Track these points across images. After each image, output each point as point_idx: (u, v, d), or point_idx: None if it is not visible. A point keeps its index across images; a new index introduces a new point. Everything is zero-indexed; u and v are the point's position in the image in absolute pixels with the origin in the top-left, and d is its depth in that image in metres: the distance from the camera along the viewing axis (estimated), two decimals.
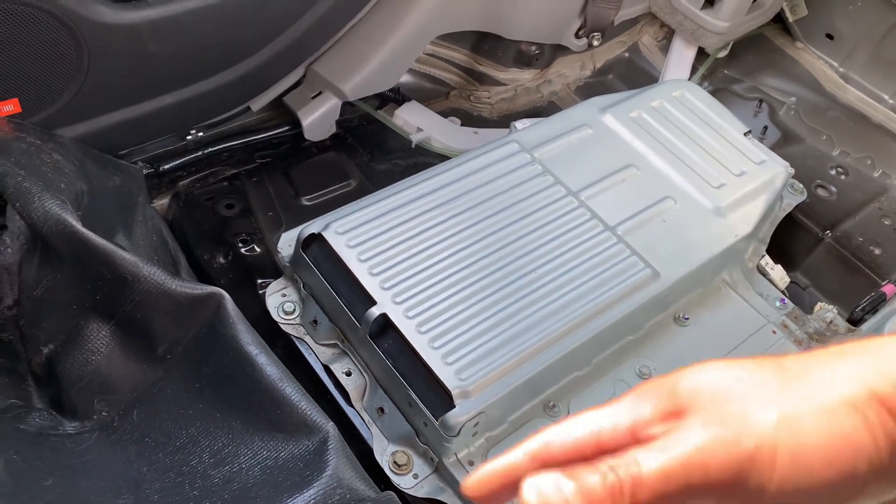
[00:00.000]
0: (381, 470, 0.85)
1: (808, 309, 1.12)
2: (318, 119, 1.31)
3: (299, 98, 1.32)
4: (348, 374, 0.92)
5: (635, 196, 1.07)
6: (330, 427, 0.75)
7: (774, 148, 1.33)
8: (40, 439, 0.79)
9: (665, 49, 1.65)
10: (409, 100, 1.45)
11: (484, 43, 1.53)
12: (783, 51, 1.65)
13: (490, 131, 1.46)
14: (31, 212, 0.81)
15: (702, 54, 1.62)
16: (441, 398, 0.82)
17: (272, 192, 1.23)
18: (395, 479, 0.84)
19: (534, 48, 1.54)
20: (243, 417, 0.78)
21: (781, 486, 0.35)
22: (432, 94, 1.53)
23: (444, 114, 1.48)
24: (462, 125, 1.48)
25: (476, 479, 0.40)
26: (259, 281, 1.09)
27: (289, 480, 0.72)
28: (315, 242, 0.94)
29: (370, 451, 0.86)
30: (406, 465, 0.85)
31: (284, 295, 0.97)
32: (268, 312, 0.96)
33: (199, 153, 1.25)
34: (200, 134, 1.26)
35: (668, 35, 1.65)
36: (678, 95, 1.22)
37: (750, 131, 1.19)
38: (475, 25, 1.45)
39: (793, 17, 1.62)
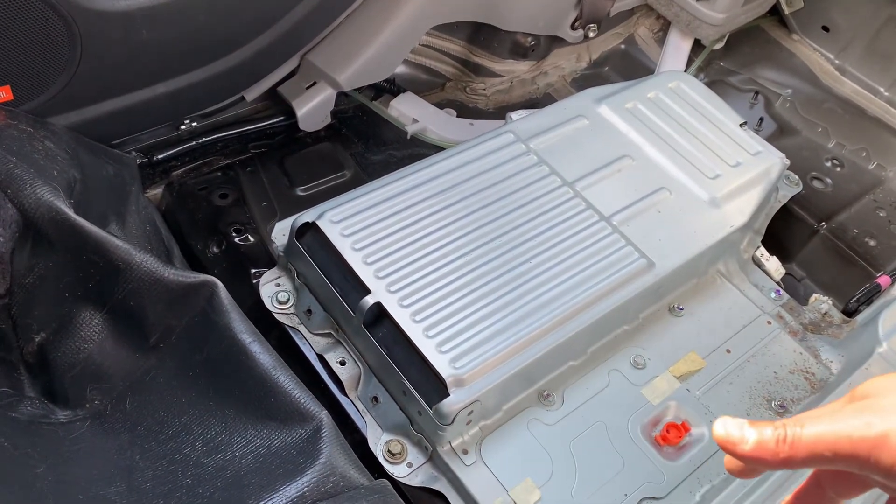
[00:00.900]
0: (376, 459, 0.85)
1: (803, 300, 1.13)
2: (312, 109, 1.30)
3: (294, 88, 1.31)
4: (342, 363, 0.92)
5: (630, 186, 1.07)
6: (323, 415, 0.75)
7: (770, 140, 1.33)
8: (32, 427, 0.79)
9: (661, 41, 1.65)
10: (405, 91, 1.45)
11: (480, 34, 1.52)
12: (779, 43, 1.65)
13: (486, 123, 1.46)
14: (23, 199, 0.81)
15: (698, 46, 1.62)
16: (435, 387, 0.82)
17: (266, 183, 1.23)
18: (389, 467, 0.84)
19: (530, 39, 1.54)
20: (236, 405, 0.78)
21: None
22: (428, 86, 1.53)
23: (440, 105, 1.48)
24: (458, 116, 1.48)
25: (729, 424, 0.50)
26: (253, 271, 1.08)
27: (282, 468, 0.71)
28: (309, 231, 0.94)
29: (364, 440, 0.86)
30: (400, 453, 0.85)
31: (278, 284, 0.97)
32: (262, 302, 0.95)
33: (193, 143, 1.25)
34: (194, 124, 1.25)
35: (665, 27, 1.65)
36: (674, 86, 1.22)
37: (745, 122, 1.19)
38: (471, 16, 1.45)
39: (789, 9, 1.62)
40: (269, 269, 0.99)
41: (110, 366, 0.84)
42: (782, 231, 1.26)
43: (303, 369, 0.90)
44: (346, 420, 0.88)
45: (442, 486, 0.84)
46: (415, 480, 0.84)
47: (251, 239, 1.14)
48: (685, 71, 1.57)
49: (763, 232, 1.16)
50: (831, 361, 1.03)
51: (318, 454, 0.72)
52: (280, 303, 0.95)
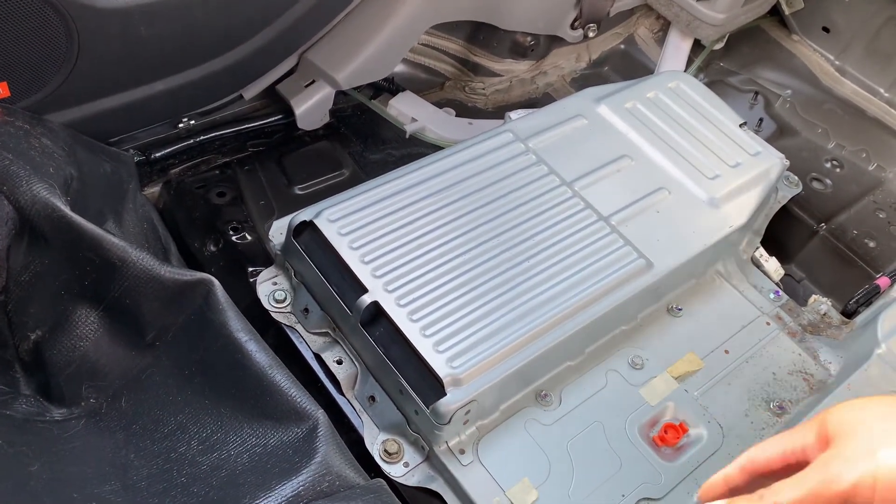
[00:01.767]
0: (372, 458, 0.84)
1: (803, 301, 1.12)
2: (311, 108, 1.30)
3: (292, 86, 1.31)
4: (339, 362, 0.91)
5: (629, 186, 1.06)
6: (320, 414, 0.75)
7: (770, 140, 1.32)
8: (27, 425, 0.78)
9: (661, 41, 1.65)
10: (404, 90, 1.44)
11: (479, 33, 1.52)
12: (779, 43, 1.65)
13: (485, 122, 1.45)
14: (19, 196, 0.81)
15: (698, 46, 1.62)
16: (432, 386, 0.82)
17: (264, 181, 1.22)
18: (385, 467, 0.84)
19: (529, 39, 1.54)
20: (232, 404, 0.78)
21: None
22: (427, 85, 1.52)
23: (439, 104, 1.48)
24: (457, 116, 1.47)
25: (704, 488, 0.57)
26: (250, 269, 1.08)
27: (277, 467, 0.71)
28: (307, 230, 0.94)
29: (361, 439, 0.86)
30: (397, 453, 0.84)
31: (275, 283, 0.97)
32: (258, 301, 0.95)
33: (191, 141, 1.24)
34: (192, 122, 1.25)
35: (664, 27, 1.65)
36: (673, 86, 1.22)
37: (745, 123, 1.18)
38: (470, 15, 1.45)
39: (789, 9, 1.62)
40: (267, 267, 0.98)
41: (106, 364, 0.83)
42: (782, 232, 1.25)
43: (299, 368, 0.90)
44: (343, 419, 0.88)
45: (438, 486, 0.83)
46: (411, 480, 0.83)
47: (248, 237, 1.13)
48: (685, 71, 1.57)
49: (762, 232, 1.16)
50: (830, 363, 1.02)
51: (313, 453, 0.71)
52: (277, 301, 0.95)
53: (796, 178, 1.24)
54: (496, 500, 0.81)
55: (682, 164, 1.10)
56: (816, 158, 1.44)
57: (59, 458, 0.75)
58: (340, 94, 1.34)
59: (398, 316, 0.85)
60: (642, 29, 1.67)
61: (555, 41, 1.57)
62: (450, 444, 0.84)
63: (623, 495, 0.85)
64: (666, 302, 1.03)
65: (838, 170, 1.43)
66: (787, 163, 1.16)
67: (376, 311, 0.87)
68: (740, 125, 1.17)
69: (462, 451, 0.84)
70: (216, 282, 0.82)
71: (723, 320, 1.04)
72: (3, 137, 0.86)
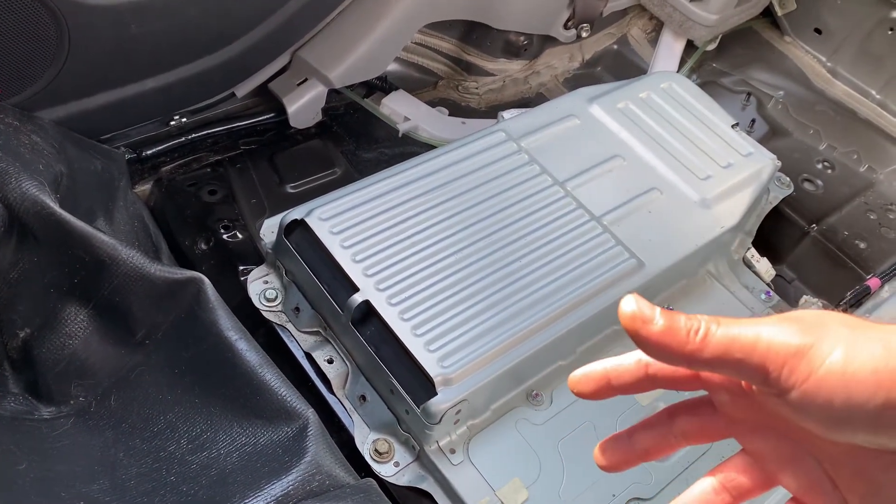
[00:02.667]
0: (362, 458, 0.84)
1: (794, 302, 1.13)
2: (303, 106, 1.30)
3: (285, 85, 1.30)
4: (330, 361, 0.91)
5: (621, 186, 1.06)
6: (310, 413, 0.74)
7: (762, 141, 1.32)
8: (15, 424, 0.78)
9: (654, 41, 1.65)
10: (397, 88, 1.44)
11: (472, 33, 1.52)
12: (772, 45, 1.65)
13: (478, 121, 1.45)
14: (8, 192, 0.80)
15: (690, 47, 1.62)
16: (423, 385, 0.82)
17: (256, 179, 1.22)
18: (375, 467, 0.83)
19: (522, 39, 1.54)
20: (222, 403, 0.77)
21: (812, 390, 0.37)
22: (420, 84, 1.52)
23: (432, 103, 1.47)
24: (450, 115, 1.47)
25: (581, 373, 0.47)
26: (241, 267, 1.08)
27: (267, 466, 0.71)
28: (298, 228, 0.93)
29: (351, 439, 0.86)
30: (387, 452, 0.84)
31: (266, 282, 0.96)
32: (249, 299, 0.95)
33: (183, 139, 1.24)
34: (184, 120, 1.24)
35: (657, 27, 1.65)
36: (666, 87, 1.22)
37: (737, 123, 1.19)
38: (464, 14, 1.44)
39: (781, 11, 1.62)
40: (258, 266, 0.98)
41: (95, 362, 0.83)
42: (773, 233, 1.26)
43: (290, 367, 0.89)
44: (334, 419, 0.88)
45: (429, 486, 0.83)
46: (402, 480, 0.83)
47: (240, 236, 1.13)
48: (677, 72, 1.57)
49: (754, 233, 1.16)
50: None
51: (303, 453, 0.71)
52: (268, 300, 0.95)
53: (788, 179, 1.24)
54: (487, 500, 0.81)
55: (674, 165, 1.10)
56: (808, 160, 1.45)
57: (48, 456, 0.75)
58: (333, 93, 1.34)
59: (389, 315, 0.85)
60: (635, 29, 1.67)
61: (548, 41, 1.57)
62: (440, 444, 0.84)
63: (614, 495, 0.85)
64: (657, 302, 1.02)
65: (830, 171, 1.43)
66: (779, 164, 1.17)
67: (367, 309, 0.87)
68: (732, 126, 1.18)
69: (453, 451, 0.84)
70: (206, 280, 0.82)
71: None
72: None
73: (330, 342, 0.92)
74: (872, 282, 1.16)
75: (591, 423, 0.90)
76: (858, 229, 1.33)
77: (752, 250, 1.15)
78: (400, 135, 1.39)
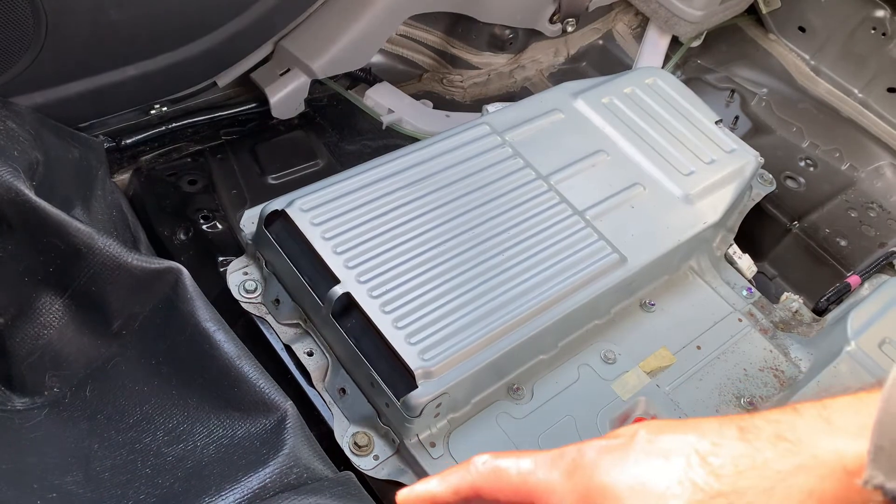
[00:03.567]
0: (342, 451, 0.83)
1: (775, 298, 1.13)
2: (286, 97, 1.28)
3: (267, 75, 1.29)
4: (310, 354, 0.90)
5: (605, 181, 1.06)
6: (288, 406, 0.74)
7: (745, 138, 1.33)
8: None
9: (639, 37, 1.65)
10: (381, 80, 1.43)
11: (458, 25, 1.51)
12: (756, 42, 1.66)
13: (462, 115, 1.45)
14: None
15: (675, 43, 1.62)
16: (404, 378, 0.81)
17: (237, 170, 1.21)
18: (355, 460, 0.83)
19: (508, 32, 1.53)
20: (199, 395, 0.76)
21: None
22: (404, 76, 1.51)
23: (417, 96, 1.47)
24: (434, 108, 1.46)
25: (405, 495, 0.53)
26: (220, 258, 1.06)
27: (244, 459, 0.70)
28: (278, 220, 0.92)
29: (331, 432, 0.85)
30: (367, 446, 0.84)
31: (246, 273, 0.95)
32: (228, 291, 0.94)
33: (163, 128, 1.22)
34: (164, 108, 1.23)
35: (643, 23, 1.65)
36: (650, 83, 1.22)
37: (721, 120, 1.19)
38: (449, 6, 1.44)
39: (766, 8, 1.63)
40: (238, 257, 0.97)
41: (70, 353, 0.82)
42: (755, 229, 1.26)
43: (269, 359, 0.88)
44: (313, 411, 0.87)
45: (408, 480, 0.83)
46: (381, 473, 0.83)
47: (219, 226, 1.12)
48: (662, 68, 1.57)
49: (736, 230, 1.17)
50: (800, 359, 1.03)
51: (281, 445, 0.70)
52: (247, 292, 0.94)
53: (770, 176, 1.24)
54: None
55: (658, 160, 1.10)
56: (790, 157, 1.45)
57: (20, 447, 0.74)
58: (316, 84, 1.33)
59: (370, 307, 0.85)
60: (621, 25, 1.67)
61: (533, 35, 1.57)
62: (420, 437, 0.83)
63: None
64: (639, 297, 1.03)
65: (812, 169, 1.44)
66: (762, 161, 1.17)
67: (348, 302, 0.86)
68: (716, 122, 1.18)
69: (433, 445, 0.83)
70: (185, 270, 0.81)
71: (695, 316, 1.04)
72: None
73: (310, 334, 0.91)
74: (853, 279, 1.17)
75: (572, 417, 0.90)
76: (839, 227, 1.34)
77: (735, 247, 1.15)
78: (384, 127, 1.38)
